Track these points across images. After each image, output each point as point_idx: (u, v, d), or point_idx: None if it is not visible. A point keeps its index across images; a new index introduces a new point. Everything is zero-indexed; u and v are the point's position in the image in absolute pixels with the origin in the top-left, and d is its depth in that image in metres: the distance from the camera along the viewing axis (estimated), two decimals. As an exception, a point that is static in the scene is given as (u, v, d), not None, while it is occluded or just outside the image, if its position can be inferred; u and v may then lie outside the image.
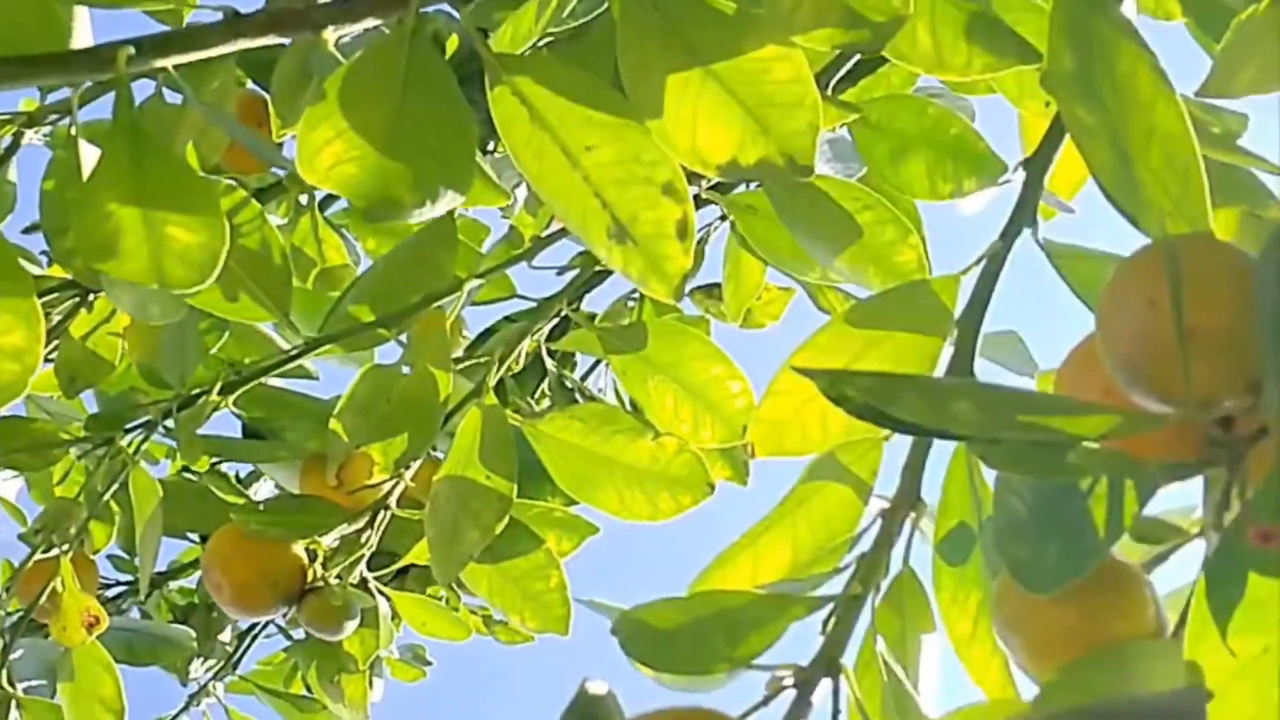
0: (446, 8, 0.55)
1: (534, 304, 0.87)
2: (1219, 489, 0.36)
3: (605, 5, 0.61)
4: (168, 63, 0.48)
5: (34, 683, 0.80)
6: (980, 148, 0.74)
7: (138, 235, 0.44)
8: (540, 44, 0.63)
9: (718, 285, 1.10)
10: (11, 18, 0.47)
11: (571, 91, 0.53)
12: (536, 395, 1.01)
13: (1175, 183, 0.41)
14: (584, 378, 1.07)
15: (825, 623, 0.44)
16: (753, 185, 0.77)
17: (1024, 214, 0.58)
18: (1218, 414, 0.36)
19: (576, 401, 0.98)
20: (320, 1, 0.52)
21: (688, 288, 1.11)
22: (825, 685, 0.41)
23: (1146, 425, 0.36)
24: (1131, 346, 0.35)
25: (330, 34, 0.51)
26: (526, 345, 0.79)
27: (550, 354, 0.91)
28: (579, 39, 0.64)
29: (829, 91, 0.73)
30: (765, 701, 0.39)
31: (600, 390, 1.06)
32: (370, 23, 0.53)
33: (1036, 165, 0.59)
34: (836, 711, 0.40)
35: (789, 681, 0.39)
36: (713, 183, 0.75)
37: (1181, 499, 0.39)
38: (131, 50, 0.46)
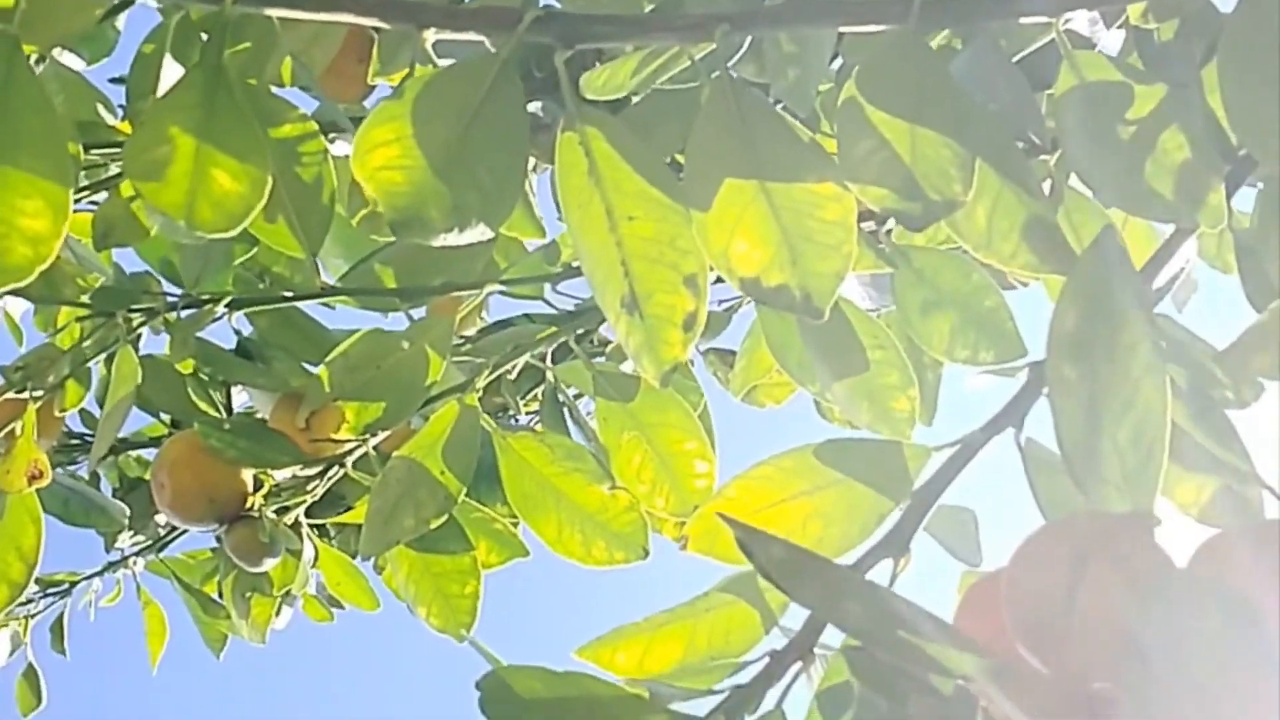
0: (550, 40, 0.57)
1: (554, 312, 0.89)
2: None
3: (694, 85, 0.63)
4: (270, 12, 0.50)
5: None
6: (1008, 328, 0.76)
7: (184, 167, 0.46)
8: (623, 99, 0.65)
9: (733, 354, 1.11)
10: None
11: (635, 161, 0.55)
12: (528, 397, 1.02)
13: (1136, 460, 0.42)
14: (579, 396, 1.09)
15: (681, 739, 0.45)
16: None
17: (1014, 413, 0.59)
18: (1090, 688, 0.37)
19: (563, 417, 1.00)
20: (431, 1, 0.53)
21: (703, 347, 1.13)
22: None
23: (1022, 682, 0.37)
24: (1026, 605, 0.37)
25: (431, 34, 0.53)
26: (527, 359, 0.81)
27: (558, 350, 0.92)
28: (655, 101, 0.66)
29: (885, 226, 0.74)
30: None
31: (589, 414, 1.07)
32: (472, 36, 0.54)
33: (1039, 379, 0.60)
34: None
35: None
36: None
37: None
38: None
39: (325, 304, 0.95)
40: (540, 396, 1.01)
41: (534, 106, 0.81)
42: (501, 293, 0.96)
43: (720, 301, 1.07)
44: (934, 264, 0.76)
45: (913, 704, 0.34)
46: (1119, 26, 0.71)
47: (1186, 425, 0.51)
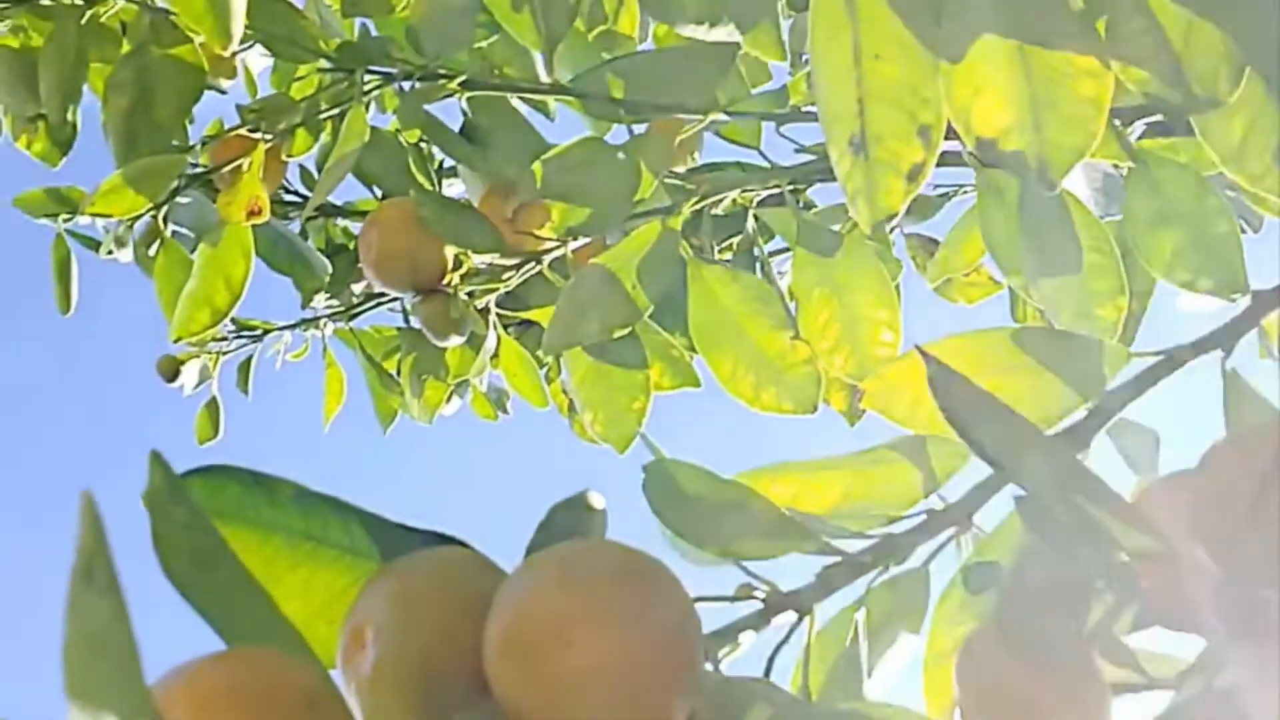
0: None
1: (767, 166, 0.88)
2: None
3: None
4: None
5: (183, 230, 0.87)
6: (1235, 259, 0.72)
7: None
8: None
9: (937, 242, 1.09)
10: None
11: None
12: (723, 245, 1.02)
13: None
14: (774, 254, 1.09)
15: (825, 570, 0.46)
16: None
17: (1225, 337, 0.57)
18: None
19: (755, 269, 1.00)
20: None
21: (908, 230, 1.11)
22: (789, 617, 0.43)
23: (1194, 575, 0.37)
24: (1214, 504, 0.36)
25: None
26: (735, 197, 0.81)
27: (756, 218, 0.92)
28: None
29: (1133, 127, 0.71)
30: (730, 599, 0.41)
31: (781, 275, 1.07)
32: None
33: (1265, 301, 0.58)
34: (783, 643, 0.42)
35: (759, 595, 0.41)
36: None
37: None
38: None
39: (545, 114, 0.96)
40: (734, 247, 1.01)
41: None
42: (721, 130, 0.95)
43: (935, 186, 1.05)
44: (1173, 177, 0.72)
45: (1080, 564, 0.34)
46: None
47: None
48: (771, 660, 0.42)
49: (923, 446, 0.55)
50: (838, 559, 0.46)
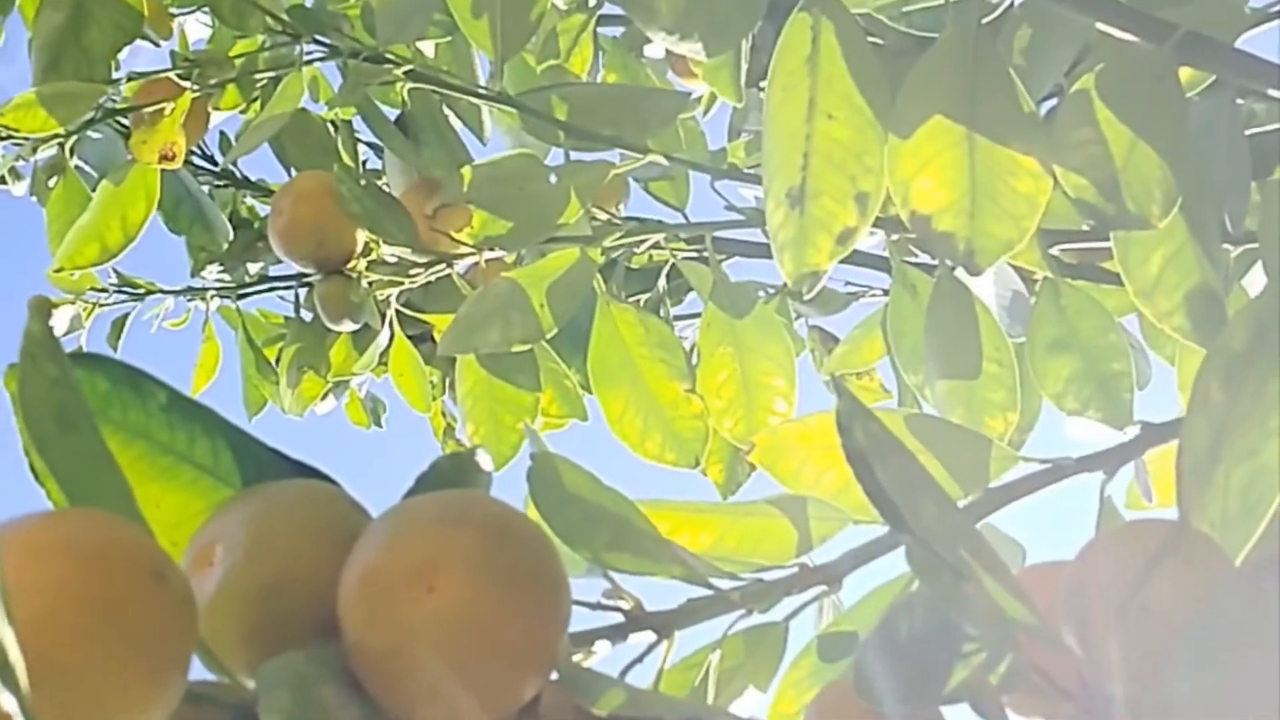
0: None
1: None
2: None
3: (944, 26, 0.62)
4: None
5: (86, 168, 0.84)
6: (1125, 398, 0.74)
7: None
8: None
9: (836, 339, 1.10)
10: None
11: (855, 64, 0.54)
12: (631, 300, 1.02)
13: (1240, 507, 0.41)
14: (679, 319, 1.08)
15: (691, 601, 0.45)
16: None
17: (1111, 460, 0.58)
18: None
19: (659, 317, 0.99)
20: None
21: (811, 321, 1.12)
22: (647, 637, 0.41)
23: (1061, 655, 0.37)
24: (1087, 593, 0.36)
25: None
26: (656, 245, 0.80)
27: (669, 276, 0.92)
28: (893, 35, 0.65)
29: (1051, 247, 0.73)
30: (592, 606, 0.40)
31: (682, 339, 1.07)
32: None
33: (1154, 433, 0.59)
34: (636, 662, 0.41)
35: (624, 606, 0.40)
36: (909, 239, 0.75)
37: None
38: None
39: (478, 136, 0.95)
40: (641, 304, 1.00)
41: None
42: (649, 185, 0.95)
43: (845, 283, 1.06)
44: (1079, 306, 0.74)
45: (961, 613, 0.33)
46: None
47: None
48: (623, 676, 0.40)
49: (803, 507, 0.55)
50: (706, 592, 0.45)
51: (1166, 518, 0.41)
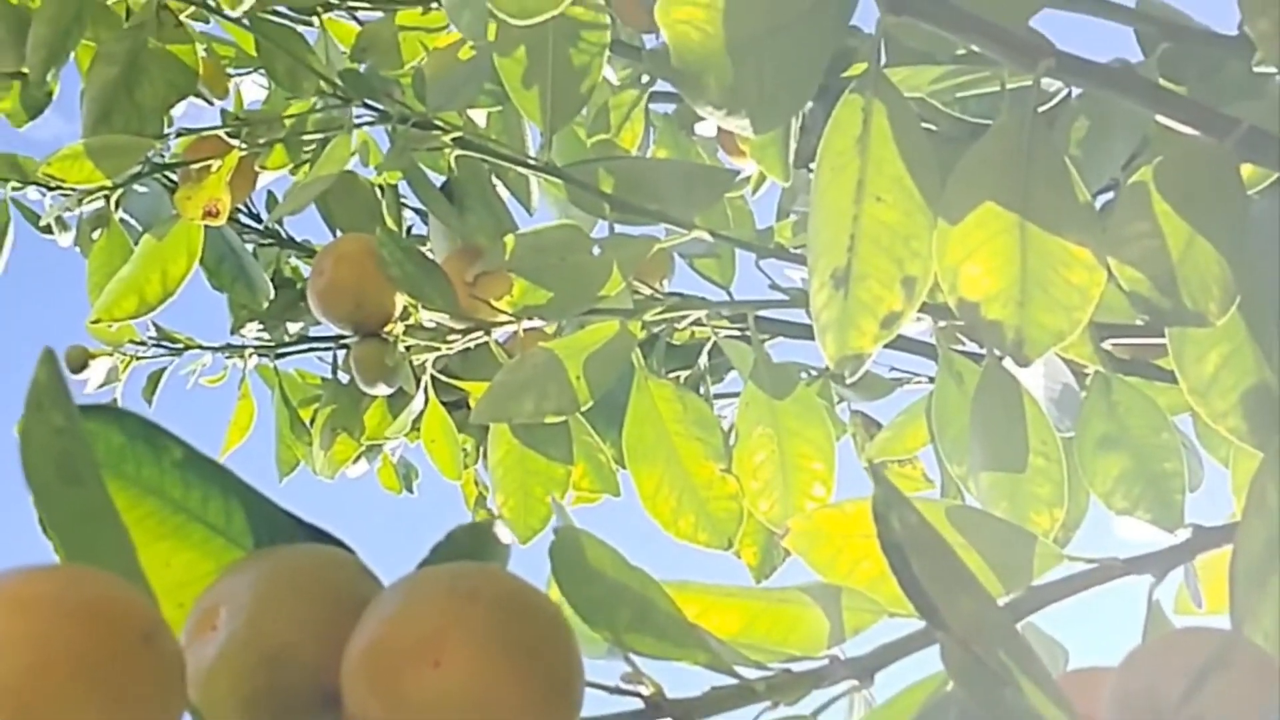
0: None
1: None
2: None
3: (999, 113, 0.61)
4: None
5: (131, 221, 0.84)
6: (1177, 499, 0.72)
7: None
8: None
9: (879, 424, 1.08)
10: None
11: (906, 147, 0.53)
12: (671, 376, 1.01)
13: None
14: (718, 398, 1.07)
15: (715, 689, 0.43)
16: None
17: (1161, 563, 0.56)
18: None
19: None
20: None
21: (854, 406, 1.10)
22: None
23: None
24: (1133, 702, 0.35)
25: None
26: (697, 322, 0.79)
27: (710, 354, 0.91)
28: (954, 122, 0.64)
29: (1104, 341, 0.71)
30: (611, 689, 0.39)
31: (721, 418, 1.05)
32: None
33: (1206, 537, 0.57)
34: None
35: (644, 691, 0.39)
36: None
37: None
38: None
39: (525, 206, 0.95)
40: (681, 380, 0.99)
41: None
42: (695, 262, 0.95)
43: (890, 368, 1.05)
44: (1130, 403, 0.72)
45: (998, 718, 0.31)
46: None
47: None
48: (639, 766, 0.39)
49: (836, 596, 0.53)
50: (732, 681, 0.43)
51: (1217, 626, 0.39)
